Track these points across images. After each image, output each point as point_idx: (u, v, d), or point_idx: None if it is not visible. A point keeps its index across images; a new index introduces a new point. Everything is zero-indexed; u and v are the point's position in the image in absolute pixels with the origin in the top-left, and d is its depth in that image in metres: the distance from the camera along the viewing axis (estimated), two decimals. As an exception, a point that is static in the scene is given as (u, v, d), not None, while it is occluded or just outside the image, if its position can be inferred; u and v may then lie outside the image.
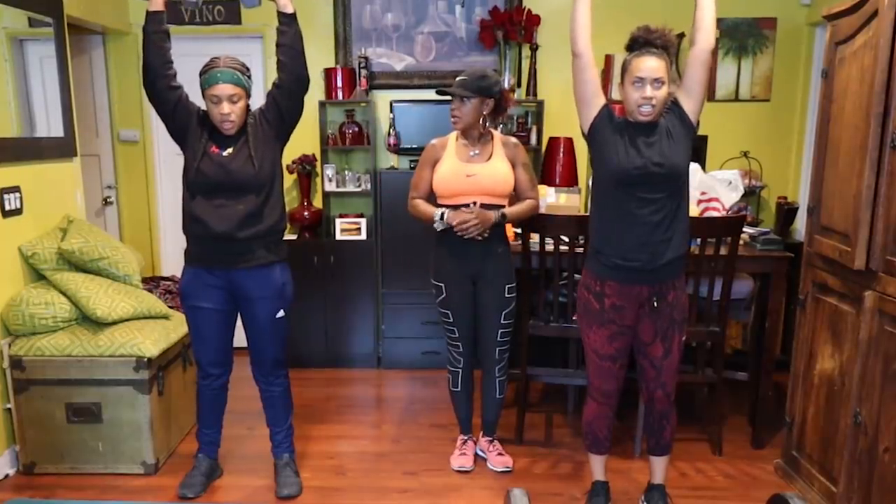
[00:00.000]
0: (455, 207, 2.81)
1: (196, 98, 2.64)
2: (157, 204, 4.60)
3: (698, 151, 4.07)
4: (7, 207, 2.96)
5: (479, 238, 2.77)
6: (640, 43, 2.28)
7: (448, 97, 2.81)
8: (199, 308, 2.70)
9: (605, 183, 2.37)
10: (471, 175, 2.79)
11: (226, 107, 2.51)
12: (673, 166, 2.27)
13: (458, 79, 2.78)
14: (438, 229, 2.84)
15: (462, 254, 2.85)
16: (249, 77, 2.61)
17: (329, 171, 4.26)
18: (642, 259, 2.32)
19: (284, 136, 2.70)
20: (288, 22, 2.56)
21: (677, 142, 2.31)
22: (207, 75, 2.51)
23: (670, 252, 2.33)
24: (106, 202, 4.56)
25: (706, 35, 2.27)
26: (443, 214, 2.79)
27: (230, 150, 2.58)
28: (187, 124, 2.61)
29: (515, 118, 4.32)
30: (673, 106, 2.34)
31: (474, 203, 2.78)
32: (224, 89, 2.49)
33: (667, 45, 2.27)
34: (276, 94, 2.62)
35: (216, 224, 2.56)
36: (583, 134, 2.41)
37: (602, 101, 2.36)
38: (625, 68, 2.29)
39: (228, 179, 2.55)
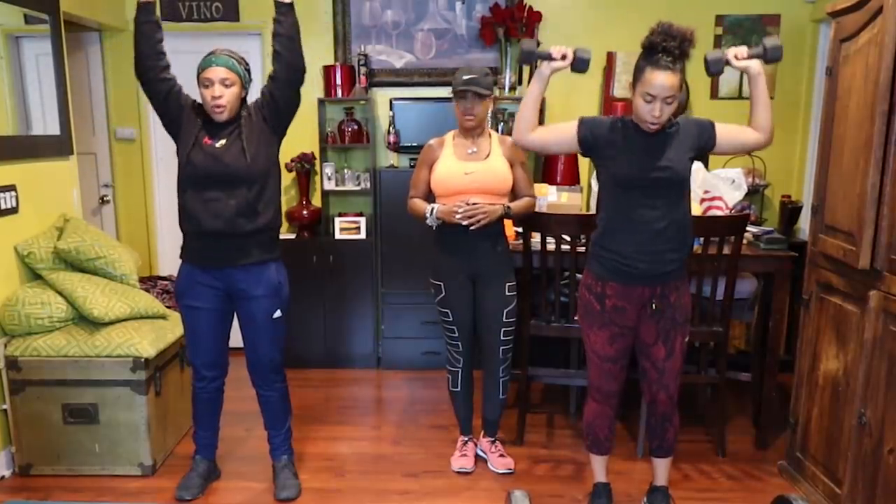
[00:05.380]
0: None
1: (194, 94, 2.62)
2: (154, 202, 4.58)
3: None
4: (2, 206, 2.93)
5: (485, 221, 2.72)
6: (657, 50, 2.14)
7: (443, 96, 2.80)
8: (193, 308, 2.67)
9: (609, 186, 2.36)
10: (469, 172, 2.77)
11: (217, 89, 2.48)
12: (677, 172, 2.26)
13: (467, 77, 2.73)
14: (430, 224, 2.82)
15: (462, 253, 2.83)
16: (247, 70, 2.59)
17: (328, 170, 4.23)
18: (643, 267, 2.31)
19: (281, 131, 2.67)
20: (285, 12, 2.53)
21: (684, 148, 2.29)
22: (203, 61, 2.52)
23: (673, 260, 2.33)
24: (103, 201, 4.53)
25: (764, 136, 2.32)
26: (433, 210, 2.78)
27: (223, 141, 2.55)
28: (180, 117, 2.59)
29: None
30: (707, 124, 2.34)
31: (468, 202, 2.73)
32: (217, 72, 2.48)
33: (685, 53, 2.16)
34: (272, 87, 2.59)
35: (207, 220, 2.54)
36: (581, 155, 2.42)
37: (572, 129, 2.36)
38: (637, 75, 2.21)
39: (220, 170, 2.51)
